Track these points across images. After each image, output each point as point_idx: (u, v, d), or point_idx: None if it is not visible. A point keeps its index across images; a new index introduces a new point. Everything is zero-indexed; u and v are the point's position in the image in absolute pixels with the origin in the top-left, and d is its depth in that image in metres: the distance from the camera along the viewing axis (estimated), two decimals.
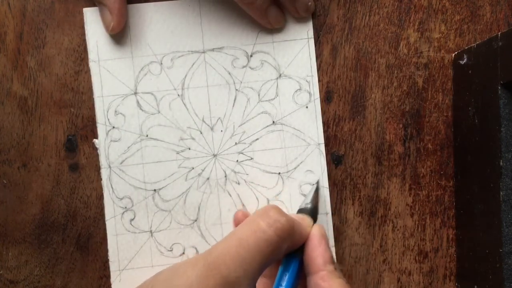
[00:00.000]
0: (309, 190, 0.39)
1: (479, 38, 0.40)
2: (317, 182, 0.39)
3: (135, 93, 0.40)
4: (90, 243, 0.40)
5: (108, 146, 0.39)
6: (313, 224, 0.34)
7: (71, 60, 0.40)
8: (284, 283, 0.32)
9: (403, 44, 0.40)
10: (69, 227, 0.40)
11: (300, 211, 0.36)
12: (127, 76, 0.40)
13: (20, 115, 0.39)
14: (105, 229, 0.39)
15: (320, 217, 0.40)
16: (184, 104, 0.40)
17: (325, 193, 0.40)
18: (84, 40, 0.39)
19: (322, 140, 0.40)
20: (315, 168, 0.40)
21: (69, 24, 0.39)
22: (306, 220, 0.34)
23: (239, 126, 0.40)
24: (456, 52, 0.40)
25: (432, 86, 0.40)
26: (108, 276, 0.40)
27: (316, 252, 0.32)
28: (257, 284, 0.36)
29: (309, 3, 0.39)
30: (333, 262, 0.32)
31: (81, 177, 0.40)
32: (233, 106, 0.40)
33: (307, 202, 0.37)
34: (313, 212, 0.36)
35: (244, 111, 0.40)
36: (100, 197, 0.40)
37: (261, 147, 0.40)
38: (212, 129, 0.40)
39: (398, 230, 0.41)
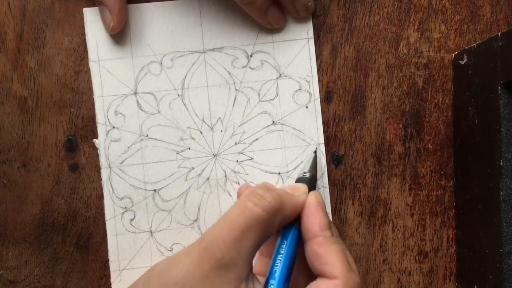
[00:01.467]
0: (307, 159, 0.39)
1: (479, 38, 0.40)
2: (315, 151, 0.39)
3: (135, 93, 0.40)
4: (90, 243, 0.40)
5: (108, 146, 0.39)
6: (309, 192, 0.34)
7: (71, 60, 0.40)
8: (282, 251, 0.32)
9: (403, 44, 0.40)
10: (69, 227, 0.40)
11: (298, 180, 0.36)
12: (127, 76, 0.40)
13: (20, 115, 0.39)
14: (105, 229, 0.39)
15: None
16: (184, 104, 0.40)
17: (325, 193, 0.40)
18: (84, 40, 0.39)
19: (322, 140, 0.40)
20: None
21: (69, 24, 0.39)
22: (300, 189, 0.34)
23: (239, 126, 0.40)
24: (456, 52, 0.40)
25: (432, 86, 0.40)
26: (108, 276, 0.40)
27: (312, 218, 0.32)
28: (258, 264, 0.36)
29: (309, 3, 0.39)
30: (329, 228, 0.32)
31: (81, 177, 0.40)
32: (233, 106, 0.40)
33: (305, 171, 0.36)
34: (311, 180, 0.36)
35: (244, 111, 0.40)
36: (100, 197, 0.40)
37: (261, 147, 0.40)
38: (212, 129, 0.40)
39: (398, 230, 0.41)
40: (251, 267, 0.31)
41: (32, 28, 0.39)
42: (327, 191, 0.40)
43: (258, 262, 0.36)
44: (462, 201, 0.40)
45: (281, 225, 0.32)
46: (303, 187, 0.34)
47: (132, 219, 0.40)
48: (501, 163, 0.34)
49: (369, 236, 0.40)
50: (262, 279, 0.32)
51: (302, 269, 0.34)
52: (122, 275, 0.39)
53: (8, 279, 0.40)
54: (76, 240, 0.40)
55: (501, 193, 0.34)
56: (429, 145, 0.40)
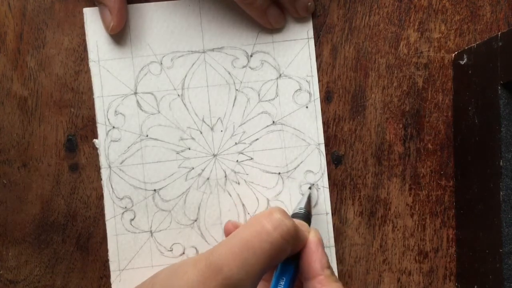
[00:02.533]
0: (302, 196, 0.39)
1: (479, 38, 0.40)
2: (310, 187, 0.39)
3: (135, 93, 0.40)
4: (90, 243, 0.40)
5: (108, 146, 0.39)
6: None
7: (71, 60, 0.40)
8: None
9: (403, 44, 0.40)
10: (69, 227, 0.40)
11: (294, 215, 0.36)
12: (127, 76, 0.40)
13: (20, 115, 0.39)
14: (105, 229, 0.39)
15: (320, 217, 0.40)
16: (184, 104, 0.40)
17: (325, 193, 0.40)
18: (84, 40, 0.39)
19: (322, 140, 0.40)
20: (315, 168, 0.40)
21: (69, 24, 0.39)
22: (303, 225, 0.34)
23: (239, 126, 0.40)
24: (456, 52, 0.40)
25: (432, 86, 0.40)
26: (108, 276, 0.40)
27: (313, 257, 0.32)
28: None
29: (309, 3, 0.39)
30: (329, 266, 0.32)
31: (81, 177, 0.40)
32: (233, 106, 0.40)
33: (300, 207, 0.36)
34: (307, 216, 0.36)
35: (244, 111, 0.40)
36: (100, 197, 0.40)
37: (261, 147, 0.40)
38: (212, 129, 0.40)
39: (398, 230, 0.41)
40: None
41: (32, 28, 0.39)
42: (327, 191, 0.40)
43: None
44: (462, 201, 0.40)
45: (289, 255, 0.32)
46: (305, 224, 0.34)
47: (132, 219, 0.40)
48: (501, 163, 0.34)
49: (369, 236, 0.40)
50: None
51: None
52: (122, 275, 0.39)
53: (8, 279, 0.40)
54: (76, 240, 0.40)
55: (501, 193, 0.34)
56: (429, 145, 0.40)
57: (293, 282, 0.33)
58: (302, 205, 0.37)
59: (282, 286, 0.32)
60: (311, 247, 0.32)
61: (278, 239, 0.30)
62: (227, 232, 0.38)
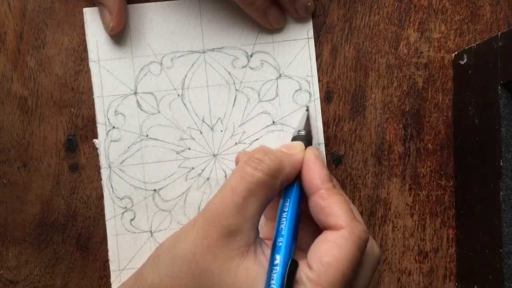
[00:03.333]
0: (301, 117, 0.39)
1: (479, 38, 0.40)
2: (307, 109, 0.39)
3: (135, 93, 0.40)
4: (90, 243, 0.40)
5: (108, 146, 0.39)
6: (306, 148, 0.34)
7: (71, 60, 0.40)
8: (286, 210, 0.32)
9: (403, 44, 0.40)
10: (69, 227, 0.40)
11: (294, 139, 0.36)
12: (127, 76, 0.40)
13: (20, 115, 0.39)
14: (105, 229, 0.39)
15: None
16: (184, 104, 0.40)
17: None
18: (84, 40, 0.39)
19: (322, 140, 0.40)
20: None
21: (69, 24, 0.39)
22: (297, 147, 0.34)
23: (239, 126, 0.40)
24: (456, 52, 0.40)
25: (432, 86, 0.40)
26: (108, 276, 0.40)
27: (312, 173, 0.32)
28: (265, 229, 0.36)
29: (309, 4, 0.39)
30: (330, 180, 0.32)
31: (81, 177, 0.40)
32: (233, 106, 0.40)
33: (299, 130, 0.36)
34: (306, 137, 0.36)
35: (244, 111, 0.40)
36: (100, 197, 0.40)
37: None
38: (212, 129, 0.40)
39: (398, 230, 0.41)
40: (257, 231, 0.31)
41: (32, 28, 0.39)
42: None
43: (265, 227, 0.36)
44: (462, 201, 0.40)
45: (282, 186, 0.32)
46: (299, 144, 0.34)
47: (132, 219, 0.40)
48: (501, 163, 0.34)
49: None
50: (270, 243, 0.32)
51: (307, 226, 0.34)
52: (122, 275, 0.39)
53: (8, 279, 0.40)
54: (76, 240, 0.40)
55: (501, 193, 0.34)
56: (429, 145, 0.40)
57: (299, 204, 0.33)
58: (301, 127, 0.37)
59: (287, 208, 0.32)
60: (308, 164, 0.33)
61: (261, 177, 0.30)
62: (237, 160, 0.38)
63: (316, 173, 0.32)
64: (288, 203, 0.32)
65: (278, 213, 0.32)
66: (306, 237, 0.34)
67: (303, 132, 0.36)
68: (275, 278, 0.29)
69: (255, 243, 0.31)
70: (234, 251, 0.30)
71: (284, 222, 0.31)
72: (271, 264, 0.30)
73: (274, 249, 0.30)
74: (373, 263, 0.32)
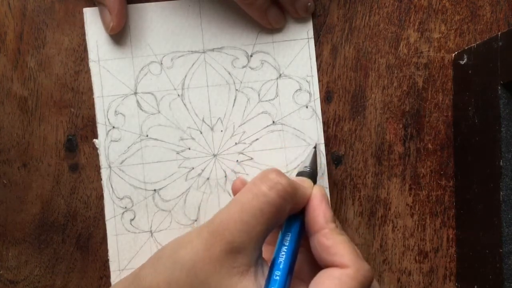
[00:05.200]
0: (307, 154, 0.39)
1: (479, 38, 0.40)
2: (315, 146, 0.39)
3: (135, 93, 0.40)
4: (90, 243, 0.40)
5: (108, 146, 0.39)
6: (314, 186, 0.34)
7: (71, 60, 0.40)
8: (287, 243, 0.32)
9: (403, 44, 0.40)
10: (69, 227, 0.40)
11: (300, 174, 0.36)
12: (127, 76, 0.40)
13: (20, 115, 0.39)
14: (105, 229, 0.39)
15: None
16: (184, 104, 0.40)
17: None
18: (84, 40, 0.39)
19: (322, 140, 0.40)
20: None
21: (69, 24, 0.39)
22: (306, 182, 0.34)
23: (239, 126, 0.40)
24: (456, 52, 0.40)
25: (432, 86, 0.40)
26: (108, 276, 0.40)
27: (317, 211, 0.32)
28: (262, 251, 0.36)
29: (309, 4, 0.39)
30: (334, 220, 0.32)
31: (81, 177, 0.40)
32: (233, 106, 0.40)
33: (305, 166, 0.36)
34: (312, 175, 0.36)
35: (244, 111, 0.40)
36: (100, 197, 0.40)
37: (261, 147, 0.40)
38: (212, 129, 0.40)
39: (398, 230, 0.41)
40: (261, 253, 0.31)
41: (32, 28, 0.39)
42: (327, 191, 0.40)
43: (263, 250, 0.36)
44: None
45: (289, 214, 0.32)
46: (308, 180, 0.34)
47: (132, 219, 0.40)
48: (501, 163, 0.34)
49: (369, 236, 0.40)
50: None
51: (305, 258, 0.34)
52: (122, 275, 0.39)
53: (8, 279, 0.40)
54: (76, 240, 0.40)
55: (501, 193, 0.34)
56: (429, 145, 0.40)
57: (299, 239, 0.33)
58: (307, 163, 0.37)
59: (287, 241, 0.32)
60: (314, 202, 0.33)
61: (275, 198, 0.30)
62: (235, 190, 0.38)
63: (321, 212, 0.32)
64: (288, 237, 0.32)
65: (277, 245, 0.32)
66: (303, 266, 0.34)
67: (308, 169, 0.36)
68: None
69: (257, 264, 0.31)
70: (235, 268, 0.29)
71: (283, 256, 0.31)
72: None
73: (269, 280, 0.30)
74: None
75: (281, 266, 0.31)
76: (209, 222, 0.30)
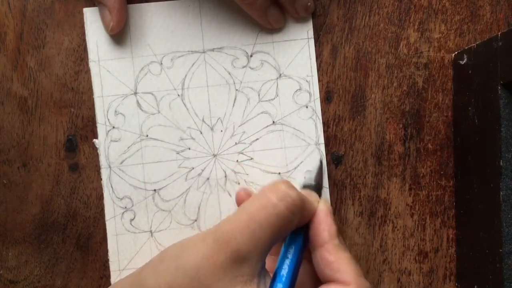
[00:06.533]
0: (313, 167, 0.39)
1: (479, 38, 0.40)
2: (321, 160, 0.39)
3: (135, 93, 0.40)
4: (90, 243, 0.40)
5: (108, 146, 0.39)
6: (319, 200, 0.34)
7: (71, 60, 0.40)
8: (290, 256, 0.32)
9: (403, 44, 0.40)
10: (69, 227, 0.40)
11: (306, 187, 0.36)
12: (127, 76, 0.40)
13: (20, 115, 0.39)
14: (105, 229, 0.39)
15: None
16: (184, 104, 0.40)
17: (325, 193, 0.40)
18: (84, 40, 0.39)
19: (322, 140, 0.40)
20: (315, 168, 0.40)
21: (69, 24, 0.39)
22: (312, 195, 0.34)
23: (239, 126, 0.40)
24: (456, 52, 0.40)
25: (432, 86, 0.40)
26: (108, 276, 0.40)
27: (322, 225, 0.32)
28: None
29: (309, 4, 0.39)
30: (338, 236, 0.32)
31: (81, 177, 0.40)
32: (233, 106, 0.40)
33: (311, 179, 0.36)
34: (317, 188, 0.36)
35: (244, 111, 0.40)
36: (100, 197, 0.40)
37: (261, 147, 0.40)
38: (212, 129, 0.40)
39: (398, 230, 0.41)
40: (264, 264, 0.31)
41: (32, 28, 0.39)
42: (327, 191, 0.40)
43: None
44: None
45: (295, 227, 0.32)
46: (315, 194, 0.34)
47: (132, 219, 0.40)
48: (501, 163, 0.34)
49: (369, 236, 0.40)
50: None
51: (306, 273, 0.34)
52: (122, 275, 0.39)
53: (8, 279, 0.40)
54: (76, 240, 0.40)
55: (501, 193, 0.34)
56: (429, 145, 0.40)
57: (302, 252, 0.33)
58: (312, 176, 0.37)
59: (290, 254, 0.32)
60: (320, 216, 0.33)
61: (284, 211, 0.30)
62: (238, 199, 0.38)
63: (326, 226, 0.32)
64: (292, 250, 0.32)
65: (280, 256, 0.32)
66: (305, 279, 0.34)
67: (314, 183, 0.36)
68: None
69: (260, 275, 0.30)
70: (238, 277, 0.29)
71: (286, 268, 0.31)
72: None
73: None
74: None
75: (283, 279, 0.31)
76: (215, 229, 0.30)
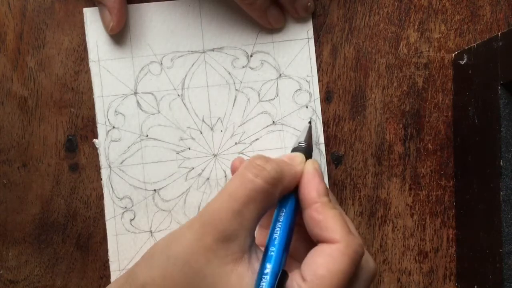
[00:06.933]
0: (302, 129, 0.38)
1: (479, 38, 0.40)
2: (310, 122, 0.39)
3: (135, 93, 0.40)
4: (90, 243, 0.40)
5: (108, 146, 0.39)
6: (306, 161, 0.34)
7: (71, 60, 0.40)
8: (281, 219, 0.32)
9: (403, 44, 0.40)
10: (69, 227, 0.40)
11: (294, 150, 0.36)
12: (127, 76, 0.40)
13: (20, 115, 0.39)
14: (105, 229, 0.39)
15: None
16: (184, 104, 0.40)
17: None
18: (84, 40, 0.39)
19: (322, 140, 0.40)
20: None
21: (69, 24, 0.39)
22: (297, 158, 0.34)
23: (239, 126, 0.40)
24: (456, 52, 0.40)
25: (432, 86, 0.40)
26: (108, 276, 0.40)
27: (309, 185, 0.32)
28: (258, 236, 0.36)
29: (309, 4, 0.39)
30: (327, 194, 0.32)
31: (81, 177, 0.40)
32: (233, 106, 0.40)
33: (300, 141, 0.36)
34: (307, 149, 0.35)
35: (244, 111, 0.40)
36: (100, 197, 0.40)
37: (261, 147, 0.40)
38: (212, 129, 0.40)
39: (398, 230, 0.41)
40: (253, 239, 0.31)
41: (32, 28, 0.39)
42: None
43: (258, 234, 0.36)
44: (462, 201, 0.40)
45: (281, 196, 0.32)
46: (300, 156, 0.34)
47: (132, 219, 0.40)
48: (501, 163, 0.34)
49: (369, 236, 0.40)
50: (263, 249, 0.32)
51: (300, 237, 0.34)
52: None
53: (8, 279, 0.40)
54: (76, 240, 0.40)
55: (501, 193, 0.34)
56: (429, 145, 0.40)
57: (295, 216, 0.32)
58: (302, 139, 0.36)
59: (282, 217, 0.32)
60: (307, 177, 0.32)
61: (262, 184, 0.30)
62: (233, 169, 0.38)
63: (313, 186, 0.32)
64: (283, 213, 0.32)
65: (272, 222, 0.32)
66: (299, 249, 0.34)
67: (303, 144, 0.36)
68: (264, 287, 0.29)
69: (250, 250, 0.31)
70: (229, 256, 0.29)
71: (278, 232, 0.31)
72: (261, 273, 0.29)
73: (265, 257, 0.30)
74: (368, 277, 0.32)
75: (275, 242, 0.31)
76: (199, 214, 0.31)
